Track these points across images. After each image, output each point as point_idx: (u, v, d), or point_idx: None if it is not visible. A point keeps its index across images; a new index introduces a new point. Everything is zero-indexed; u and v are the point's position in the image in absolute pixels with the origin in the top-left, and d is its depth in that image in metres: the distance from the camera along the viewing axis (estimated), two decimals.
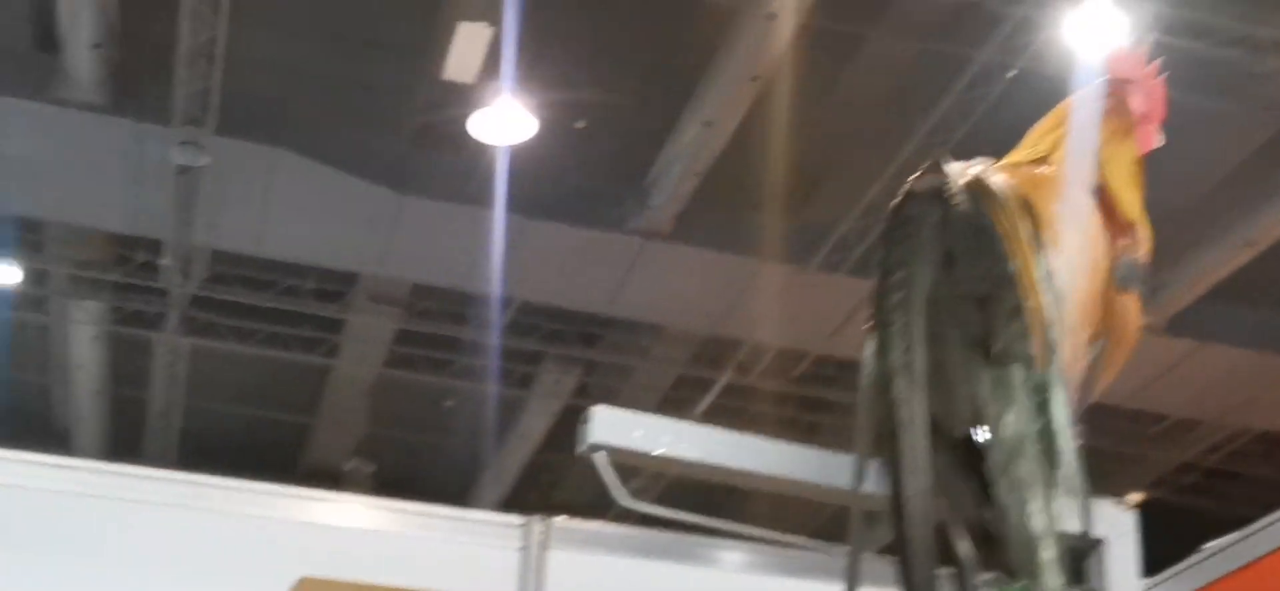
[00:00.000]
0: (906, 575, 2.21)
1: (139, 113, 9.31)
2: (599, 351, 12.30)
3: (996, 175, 2.50)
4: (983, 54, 8.76)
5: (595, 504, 3.47)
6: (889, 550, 2.26)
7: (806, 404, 12.34)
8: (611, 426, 2.57)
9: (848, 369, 12.20)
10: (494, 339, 11.82)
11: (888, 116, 9.53)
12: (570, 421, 12.82)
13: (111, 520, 3.21)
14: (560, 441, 13.64)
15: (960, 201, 2.39)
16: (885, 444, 2.30)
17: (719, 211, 10.36)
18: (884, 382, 2.31)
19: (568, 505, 3.62)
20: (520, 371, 12.59)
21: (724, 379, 12.13)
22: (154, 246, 10.75)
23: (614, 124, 9.71)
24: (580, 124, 9.65)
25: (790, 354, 11.83)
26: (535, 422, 13.24)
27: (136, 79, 9.22)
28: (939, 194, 2.39)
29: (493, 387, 12.53)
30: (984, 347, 2.35)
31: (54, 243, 11.10)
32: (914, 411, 2.26)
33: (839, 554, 2.36)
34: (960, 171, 2.46)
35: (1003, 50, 8.67)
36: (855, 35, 9.15)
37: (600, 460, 2.53)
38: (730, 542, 3.65)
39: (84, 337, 11.93)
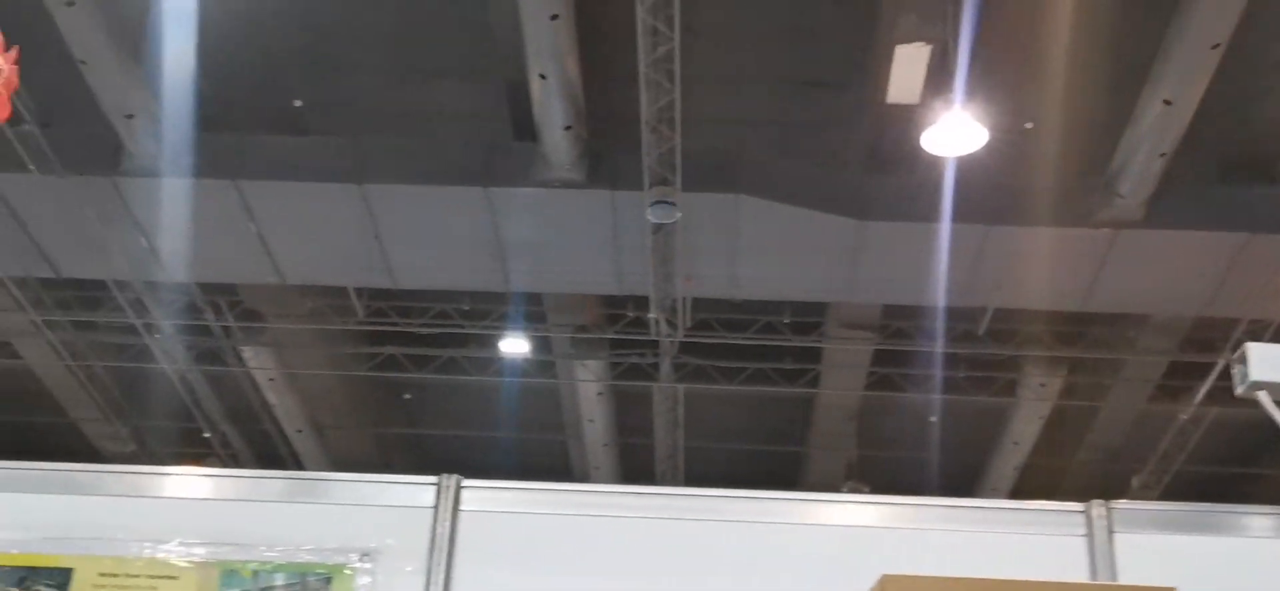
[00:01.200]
0: None
1: (613, 182, 10.01)
2: (1082, 348, 11.95)
3: None
4: None
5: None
6: None
7: None
8: (1271, 363, 2.54)
9: None
10: (971, 350, 11.80)
11: None
12: (1061, 423, 12.57)
13: (707, 539, 3.48)
14: (1053, 443, 13.35)
15: None
16: None
17: (1192, 189, 9.88)
18: None
19: None
20: (1002, 379, 12.45)
21: (1222, 361, 11.46)
22: (641, 303, 11.52)
23: (1065, 119, 9.48)
24: (1029, 125, 9.51)
25: None
26: (1026, 428, 13.03)
27: (607, 152, 9.96)
28: None
29: (976, 398, 12.49)
30: None
31: (553, 311, 12.15)
32: None
33: None
34: None
35: None
36: None
37: (1264, 398, 2.50)
38: None
39: (590, 394, 12.94)
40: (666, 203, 9.80)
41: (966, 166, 9.44)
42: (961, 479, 13.65)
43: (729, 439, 14.08)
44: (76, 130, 9.73)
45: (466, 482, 3.54)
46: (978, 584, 2.86)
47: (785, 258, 10.66)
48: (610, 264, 10.81)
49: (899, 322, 11.71)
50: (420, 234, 10.49)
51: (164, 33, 8.83)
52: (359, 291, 11.86)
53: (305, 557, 3.43)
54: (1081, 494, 3.50)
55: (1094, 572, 3.39)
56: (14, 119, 9.20)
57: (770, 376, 12.58)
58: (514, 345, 12.69)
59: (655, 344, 12.02)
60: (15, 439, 14.13)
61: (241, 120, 10.05)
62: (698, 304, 11.54)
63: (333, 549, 3.43)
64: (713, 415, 13.55)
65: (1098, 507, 3.46)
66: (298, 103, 10.12)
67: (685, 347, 12.10)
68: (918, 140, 9.35)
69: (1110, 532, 3.43)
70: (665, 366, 12.37)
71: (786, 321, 11.92)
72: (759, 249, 10.53)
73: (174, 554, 3.42)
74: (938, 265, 10.21)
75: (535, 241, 10.59)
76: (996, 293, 10.90)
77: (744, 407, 13.55)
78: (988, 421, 13.14)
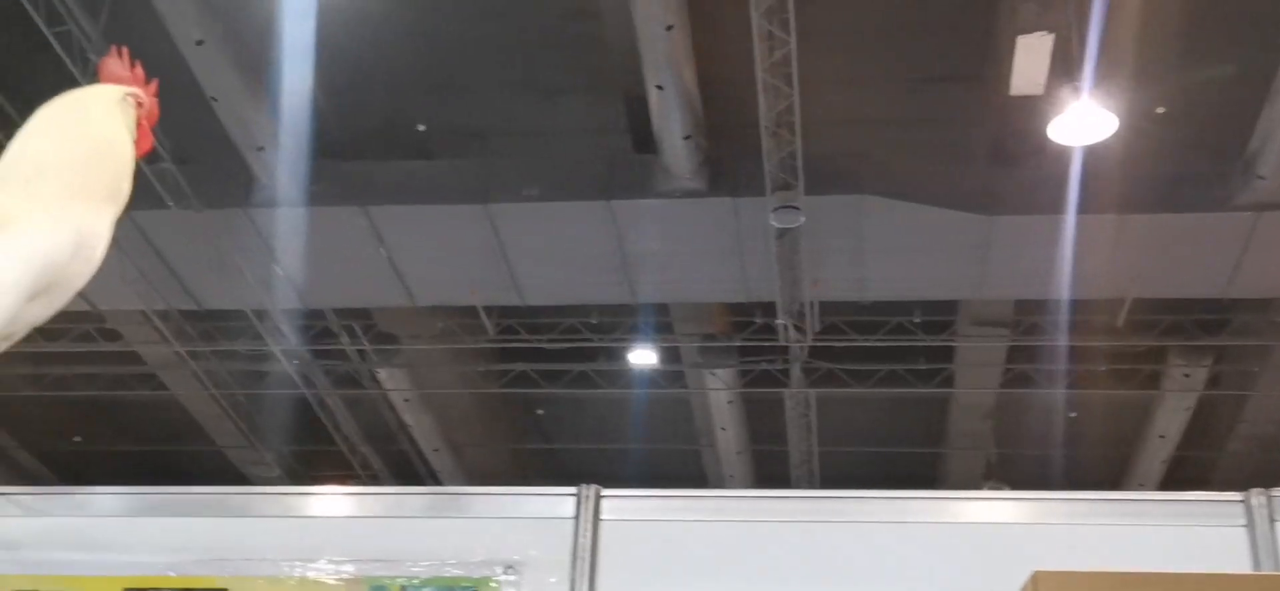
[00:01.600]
0: None
1: (734, 189, 10.00)
2: (1227, 336, 11.59)
3: None
4: None
5: None
6: None
7: None
8: None
9: None
10: (1110, 342, 11.52)
11: None
12: (1209, 413, 12.22)
13: (848, 541, 3.44)
14: (1202, 435, 12.98)
15: None
16: None
17: None
18: None
19: None
20: (1145, 370, 12.13)
21: None
22: (768, 309, 11.47)
23: (1199, 101, 9.22)
24: (1161, 109, 9.26)
25: None
26: (1171, 420, 12.69)
27: (727, 159, 9.95)
28: None
29: (1118, 391, 12.19)
30: None
31: (680, 321, 12.16)
32: None
33: None
34: None
35: None
36: None
37: None
38: None
39: (721, 402, 12.93)
40: (789, 207, 9.75)
41: (1096, 155, 9.22)
42: (1106, 475, 13.33)
43: (864, 442, 13.94)
44: (211, 165, 10.03)
45: (606, 492, 3.54)
46: (1135, 578, 2.70)
47: (913, 257, 10.54)
48: (735, 271, 10.80)
49: (1033, 318, 11.48)
50: (546, 250, 10.60)
51: (288, 67, 9.06)
52: (488, 309, 12.00)
53: (451, 572, 3.45)
54: (1234, 486, 3.37)
55: (1256, 563, 3.25)
56: (152, 157, 9.51)
57: (903, 377, 12.42)
58: (643, 357, 12.74)
59: (785, 350, 11.95)
60: (166, 467, 14.61)
61: (367, 147, 10.26)
62: (826, 307, 11.45)
63: (478, 562, 3.45)
64: (846, 419, 13.43)
65: (1258, 496, 3.31)
66: (421, 127, 10.30)
67: (815, 352, 12.00)
68: (1045, 131, 9.16)
69: (1272, 521, 3.28)
70: (795, 372, 12.29)
71: (917, 321, 11.76)
72: (885, 249, 10.43)
73: (324, 572, 3.48)
74: (1071, 257, 10.00)
75: (659, 252, 10.63)
76: (1134, 283, 10.63)
77: (877, 410, 13.40)
78: (1131, 415, 12.82)
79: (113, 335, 12.38)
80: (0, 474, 14.10)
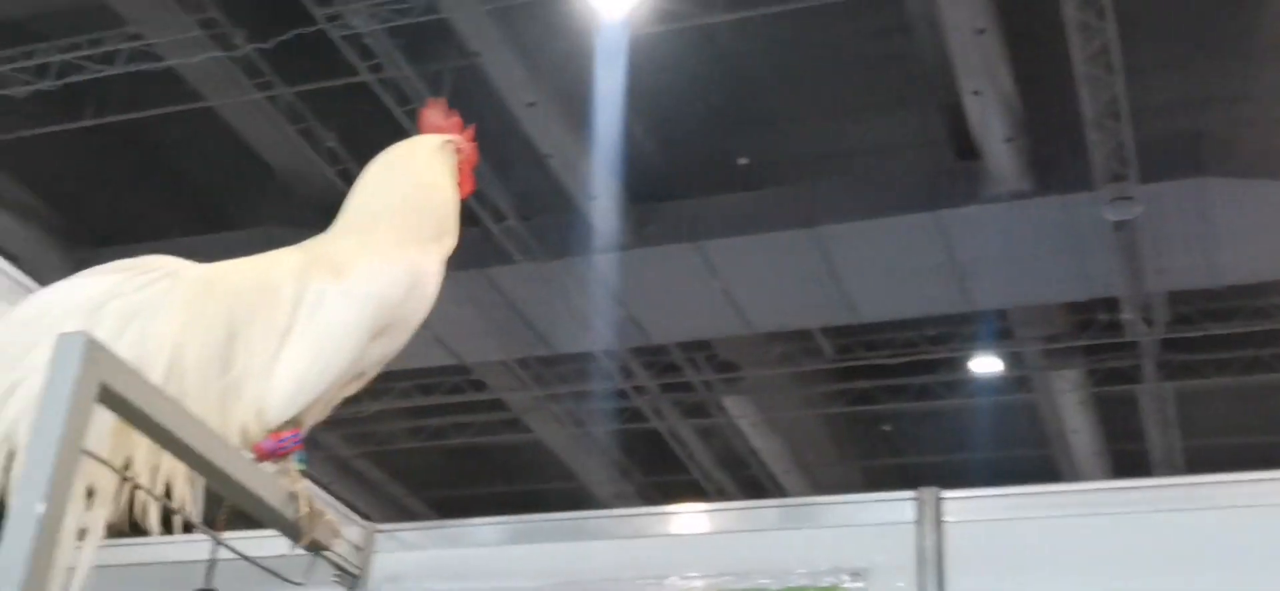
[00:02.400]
0: None
1: (1063, 186, 9.79)
2: None
3: None
4: None
5: None
6: None
7: None
8: None
9: None
10: None
11: None
12: None
13: (1210, 528, 3.31)
14: None
15: None
16: None
17: None
18: None
19: None
20: None
21: None
22: (1112, 304, 11.14)
23: None
24: None
25: None
26: None
27: (1053, 157, 9.76)
28: None
29: None
30: None
31: (1020, 325, 11.95)
32: None
33: None
34: None
35: None
36: None
37: None
38: None
39: (1070, 405, 12.59)
40: (1124, 198, 9.48)
41: None
42: None
43: (1231, 433, 13.23)
44: (551, 218, 10.66)
45: (945, 494, 3.54)
46: None
47: (1266, 236, 9.99)
48: (1073, 269, 10.54)
49: None
50: (876, 267, 10.67)
51: (613, 117, 9.55)
52: (824, 330, 12.15)
53: (799, 581, 3.52)
54: None
55: None
56: (499, 216, 10.23)
57: (1267, 362, 11.76)
58: (985, 364, 12.58)
59: (1134, 345, 11.56)
60: (537, 505, 15.42)
61: (694, 186, 10.65)
62: (1175, 297, 11.01)
63: (824, 571, 3.51)
64: (1209, 410, 12.82)
65: None
66: (743, 160, 10.61)
67: (1168, 344, 11.55)
68: None
69: None
70: (1148, 366, 11.84)
71: (1276, 303, 11.13)
72: (1234, 231, 9.94)
73: (675, 588, 3.63)
74: None
75: (992, 257, 10.50)
76: None
77: (1243, 399, 12.72)
78: None
79: (479, 385, 13.26)
80: (394, 519, 15.28)
